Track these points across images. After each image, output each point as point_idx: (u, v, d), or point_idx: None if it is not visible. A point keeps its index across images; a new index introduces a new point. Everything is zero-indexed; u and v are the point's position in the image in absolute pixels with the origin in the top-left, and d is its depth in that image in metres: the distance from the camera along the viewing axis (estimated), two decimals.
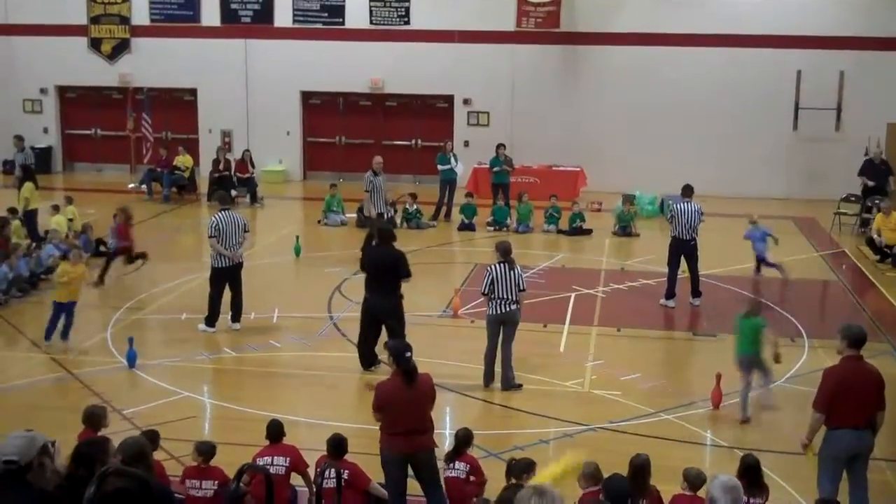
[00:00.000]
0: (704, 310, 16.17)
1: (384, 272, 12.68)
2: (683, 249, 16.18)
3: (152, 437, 8.20)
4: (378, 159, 19.78)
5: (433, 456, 8.63)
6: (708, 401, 11.83)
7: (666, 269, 16.46)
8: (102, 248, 18.95)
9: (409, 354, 8.54)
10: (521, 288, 12.20)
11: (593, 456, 8.43)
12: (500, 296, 12.13)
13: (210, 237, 14.31)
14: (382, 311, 12.62)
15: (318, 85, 28.04)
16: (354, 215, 22.30)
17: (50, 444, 5.82)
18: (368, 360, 12.87)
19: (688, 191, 16.45)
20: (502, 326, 12.27)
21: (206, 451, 8.48)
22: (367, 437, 10.41)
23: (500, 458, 9.32)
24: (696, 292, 16.38)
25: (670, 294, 16.26)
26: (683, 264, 16.30)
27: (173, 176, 25.51)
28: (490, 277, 12.24)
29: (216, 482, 8.32)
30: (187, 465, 8.83)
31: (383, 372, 12.64)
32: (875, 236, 19.65)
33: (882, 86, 25.12)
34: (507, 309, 12.19)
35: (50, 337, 13.65)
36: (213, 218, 14.46)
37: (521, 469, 8.24)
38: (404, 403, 8.46)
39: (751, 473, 8.15)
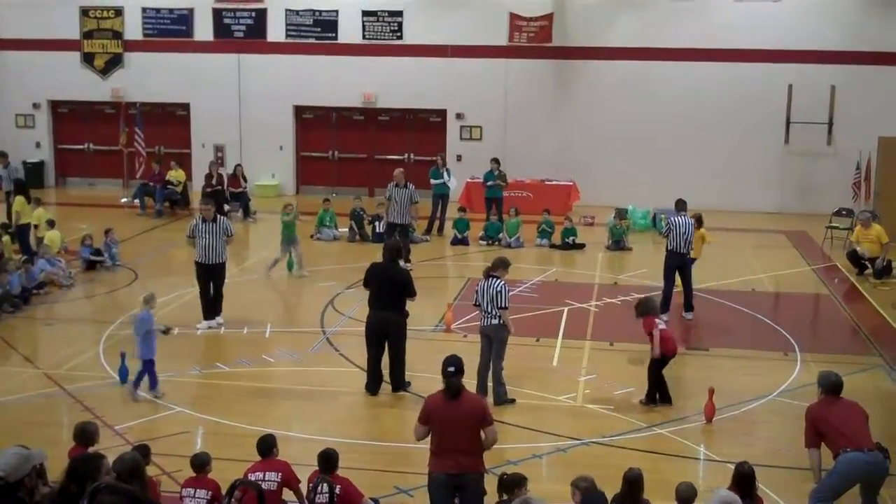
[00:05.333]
0: (697, 324, 16.19)
1: (391, 289, 12.63)
2: (679, 263, 16.20)
3: (143, 453, 8.19)
4: (396, 171, 20.05)
5: (481, 480, 8.38)
6: (701, 415, 11.83)
7: (660, 283, 16.48)
8: (95, 258, 19.01)
9: (451, 369, 8.35)
10: (500, 305, 12.11)
11: (587, 471, 8.41)
12: (483, 308, 12.24)
13: (188, 237, 15.58)
14: (390, 328, 12.58)
15: (310, 99, 28.08)
16: (347, 230, 22.34)
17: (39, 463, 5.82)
18: (378, 381, 12.75)
19: (681, 205, 16.53)
20: (491, 340, 12.29)
21: (193, 462, 8.59)
22: (359, 453, 10.42)
23: (493, 474, 9.29)
24: (688, 306, 16.39)
25: (664, 308, 16.27)
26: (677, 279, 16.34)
27: (166, 191, 25.50)
28: (476, 289, 12.43)
29: (209, 492, 8.37)
30: (180, 480, 8.82)
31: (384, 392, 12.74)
32: (857, 247, 19.71)
33: (873, 100, 25.22)
34: (487, 322, 12.23)
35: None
36: (195, 220, 15.61)
37: (512, 484, 8.21)
38: (447, 419, 8.23)
39: (745, 483, 8.11)
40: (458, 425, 8.20)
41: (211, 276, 15.44)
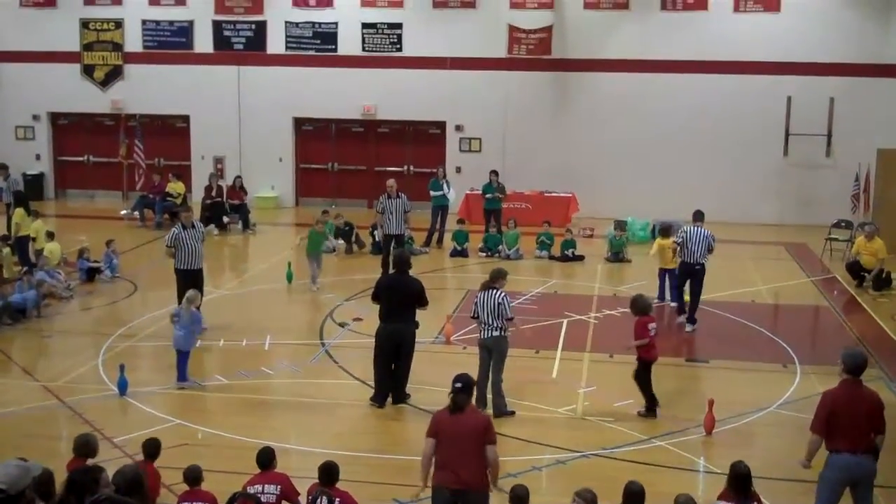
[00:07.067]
0: (697, 335, 16.17)
1: (404, 300, 12.63)
2: (690, 274, 16.19)
3: (154, 445, 8.75)
4: (389, 182, 20.03)
5: (485, 499, 8.36)
6: (701, 427, 11.81)
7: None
8: (93, 264, 19.02)
9: (458, 385, 8.39)
10: (506, 317, 12.12)
11: (587, 483, 8.37)
12: (483, 321, 12.19)
13: (168, 247, 15.67)
14: (403, 340, 12.57)
15: (310, 111, 28.12)
16: (343, 242, 22.37)
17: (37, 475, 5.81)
18: (387, 393, 12.68)
19: (699, 216, 16.51)
20: (490, 352, 12.27)
21: (187, 476, 8.56)
22: (358, 465, 10.39)
23: (498, 488, 9.26)
24: (691, 319, 16.35)
25: (681, 311, 16.48)
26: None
27: (165, 203, 25.47)
28: (475, 301, 12.37)
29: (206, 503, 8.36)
30: (178, 492, 8.79)
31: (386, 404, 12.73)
32: (857, 258, 19.70)
33: (872, 112, 25.27)
34: (488, 334, 12.20)
35: None
36: (175, 230, 15.75)
37: (522, 498, 8.13)
38: (451, 433, 8.27)
39: (740, 482, 8.06)
40: (460, 439, 8.22)
41: (192, 280, 15.44)
